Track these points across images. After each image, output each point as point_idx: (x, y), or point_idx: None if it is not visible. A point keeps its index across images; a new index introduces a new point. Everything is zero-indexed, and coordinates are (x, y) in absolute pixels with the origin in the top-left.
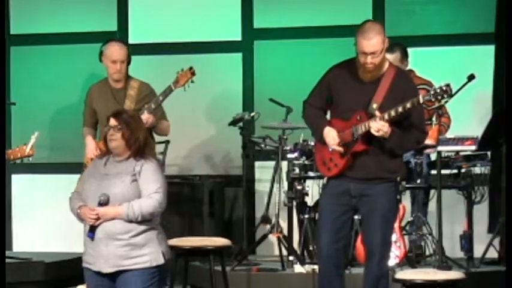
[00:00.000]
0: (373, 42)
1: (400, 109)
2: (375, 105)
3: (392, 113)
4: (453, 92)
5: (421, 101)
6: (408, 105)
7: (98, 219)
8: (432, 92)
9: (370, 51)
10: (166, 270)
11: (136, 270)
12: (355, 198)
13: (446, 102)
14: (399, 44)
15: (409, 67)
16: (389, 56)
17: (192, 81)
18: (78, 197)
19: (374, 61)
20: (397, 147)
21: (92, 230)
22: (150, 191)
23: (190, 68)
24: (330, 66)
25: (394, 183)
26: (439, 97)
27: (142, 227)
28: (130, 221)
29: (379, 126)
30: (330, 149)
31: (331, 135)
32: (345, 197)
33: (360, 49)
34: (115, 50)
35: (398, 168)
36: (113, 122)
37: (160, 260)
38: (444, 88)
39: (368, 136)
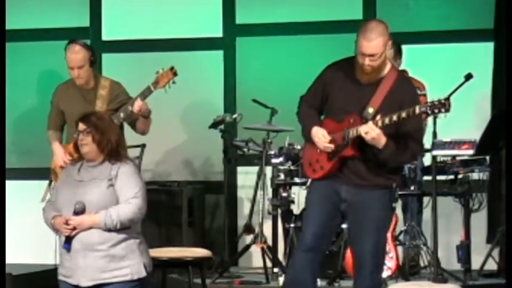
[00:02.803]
0: (373, 44)
1: (394, 117)
2: (370, 110)
3: (386, 120)
4: (451, 102)
5: (417, 111)
6: (403, 114)
7: (73, 229)
8: (429, 105)
9: (368, 53)
10: (148, 284)
11: (116, 284)
12: (344, 203)
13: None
14: (393, 41)
15: (402, 67)
16: None
17: (174, 82)
18: (51, 207)
19: (372, 64)
20: (390, 160)
21: (67, 241)
22: (128, 196)
23: (172, 68)
24: (326, 65)
25: (390, 190)
26: (436, 110)
27: (121, 236)
28: (109, 230)
29: (367, 129)
30: (318, 150)
31: (320, 133)
32: (335, 196)
33: (359, 49)
34: (70, 55)
35: (394, 174)
36: (81, 126)
37: (142, 273)
38: (443, 102)
39: (359, 142)
